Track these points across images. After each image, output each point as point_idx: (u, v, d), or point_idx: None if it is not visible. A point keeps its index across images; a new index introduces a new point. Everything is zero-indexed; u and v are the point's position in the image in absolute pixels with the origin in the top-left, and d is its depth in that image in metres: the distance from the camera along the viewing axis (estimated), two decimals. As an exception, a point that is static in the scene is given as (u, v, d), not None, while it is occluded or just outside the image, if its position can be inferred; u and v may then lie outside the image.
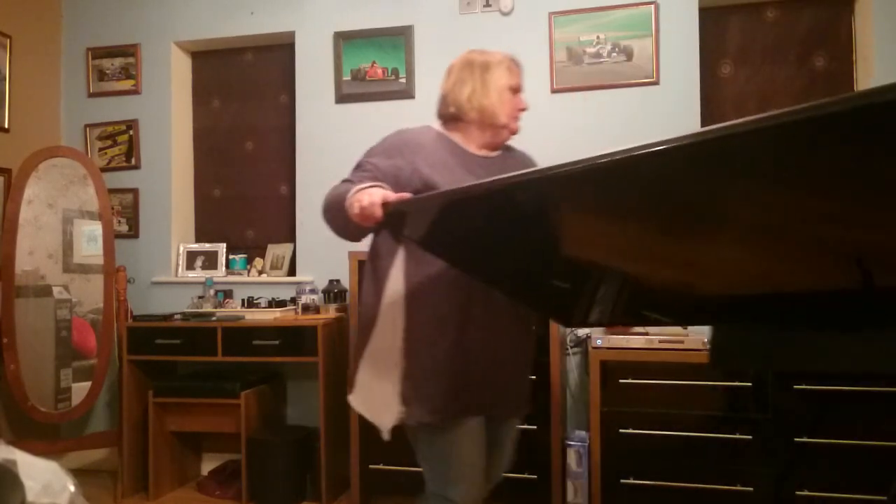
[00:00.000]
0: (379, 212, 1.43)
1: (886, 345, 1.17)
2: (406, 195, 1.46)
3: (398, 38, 3.27)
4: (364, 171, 1.65)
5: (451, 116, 1.72)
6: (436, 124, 1.76)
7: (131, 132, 3.56)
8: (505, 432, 1.81)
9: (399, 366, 1.62)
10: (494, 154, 1.74)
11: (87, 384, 3.18)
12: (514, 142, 1.80)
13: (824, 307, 1.22)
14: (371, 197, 1.43)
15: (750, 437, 2.38)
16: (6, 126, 3.28)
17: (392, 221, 1.47)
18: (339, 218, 1.57)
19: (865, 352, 1.22)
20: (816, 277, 1.16)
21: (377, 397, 1.67)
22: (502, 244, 1.40)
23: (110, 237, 3.24)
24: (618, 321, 1.67)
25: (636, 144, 1.01)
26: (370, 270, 1.72)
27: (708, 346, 1.26)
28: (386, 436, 1.65)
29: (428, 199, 1.40)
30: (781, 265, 1.16)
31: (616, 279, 1.38)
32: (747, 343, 1.30)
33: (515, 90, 1.71)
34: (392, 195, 1.44)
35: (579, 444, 2.64)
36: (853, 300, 1.17)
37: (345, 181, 1.66)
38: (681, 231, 1.20)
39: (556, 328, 2.55)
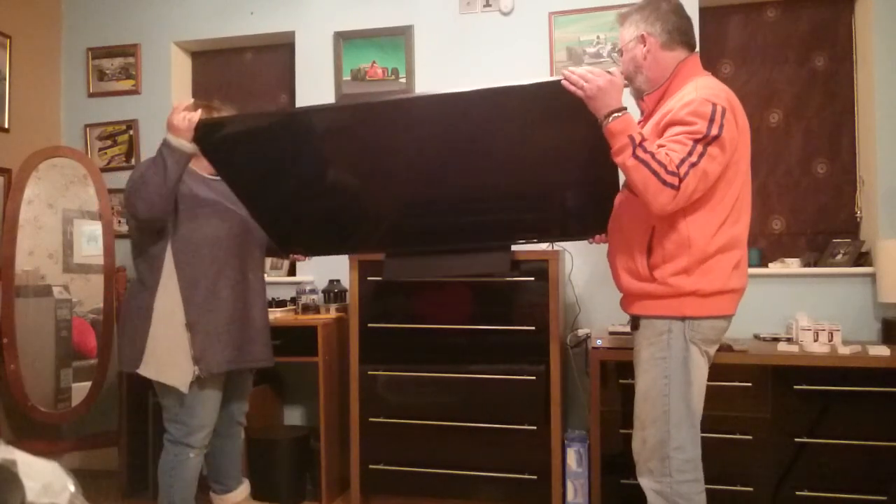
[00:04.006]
0: (196, 117, 1.99)
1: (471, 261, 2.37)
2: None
3: (398, 38, 3.27)
4: None
5: None
6: None
7: (131, 132, 3.56)
8: (248, 380, 2.48)
9: (185, 336, 2.12)
10: (216, 178, 2.32)
11: (87, 384, 3.18)
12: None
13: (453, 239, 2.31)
14: (189, 114, 2.01)
15: (750, 437, 2.38)
16: (6, 126, 3.28)
17: (204, 138, 2.02)
18: (157, 176, 2.02)
19: (458, 264, 2.38)
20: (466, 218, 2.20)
21: (171, 364, 2.13)
22: (279, 171, 2.10)
23: (110, 237, 3.25)
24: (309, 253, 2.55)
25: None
26: (143, 270, 2.20)
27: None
28: (185, 390, 2.13)
29: (233, 117, 2.12)
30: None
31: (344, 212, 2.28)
32: (406, 263, 2.42)
33: None
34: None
35: (579, 444, 2.64)
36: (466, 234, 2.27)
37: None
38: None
39: (555, 328, 2.55)
